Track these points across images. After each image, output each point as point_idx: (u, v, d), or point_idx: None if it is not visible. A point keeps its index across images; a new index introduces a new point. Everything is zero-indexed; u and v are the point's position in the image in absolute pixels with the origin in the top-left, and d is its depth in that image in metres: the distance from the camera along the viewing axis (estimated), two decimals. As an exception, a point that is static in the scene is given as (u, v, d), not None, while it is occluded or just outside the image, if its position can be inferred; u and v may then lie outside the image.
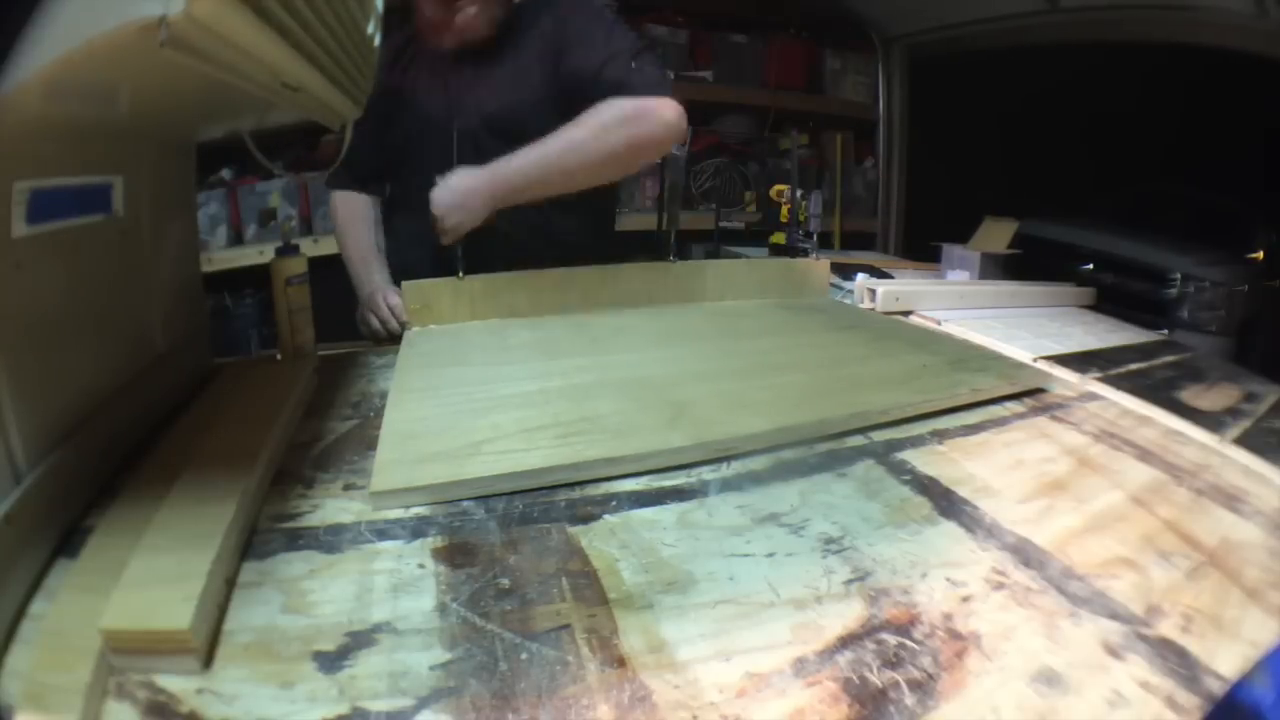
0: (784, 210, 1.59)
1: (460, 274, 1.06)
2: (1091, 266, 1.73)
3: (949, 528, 0.57)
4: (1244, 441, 0.76)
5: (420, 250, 1.18)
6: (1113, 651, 0.44)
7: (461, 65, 1.19)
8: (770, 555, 0.52)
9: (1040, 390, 0.87)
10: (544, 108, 1.14)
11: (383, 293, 1.19)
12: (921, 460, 0.68)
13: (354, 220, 1.31)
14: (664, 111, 1.09)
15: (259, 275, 1.89)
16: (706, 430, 0.67)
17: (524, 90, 1.16)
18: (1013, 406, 0.82)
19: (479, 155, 1.10)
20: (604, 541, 0.54)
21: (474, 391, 0.77)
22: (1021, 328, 1.14)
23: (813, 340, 0.99)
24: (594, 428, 0.67)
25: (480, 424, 0.68)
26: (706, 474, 0.64)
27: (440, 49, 1.17)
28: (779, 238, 1.63)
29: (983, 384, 0.83)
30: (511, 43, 1.18)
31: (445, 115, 1.17)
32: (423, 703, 0.38)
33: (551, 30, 1.17)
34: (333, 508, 0.58)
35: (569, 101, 1.10)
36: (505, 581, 0.49)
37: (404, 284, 1.06)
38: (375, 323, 1.17)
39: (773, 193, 1.66)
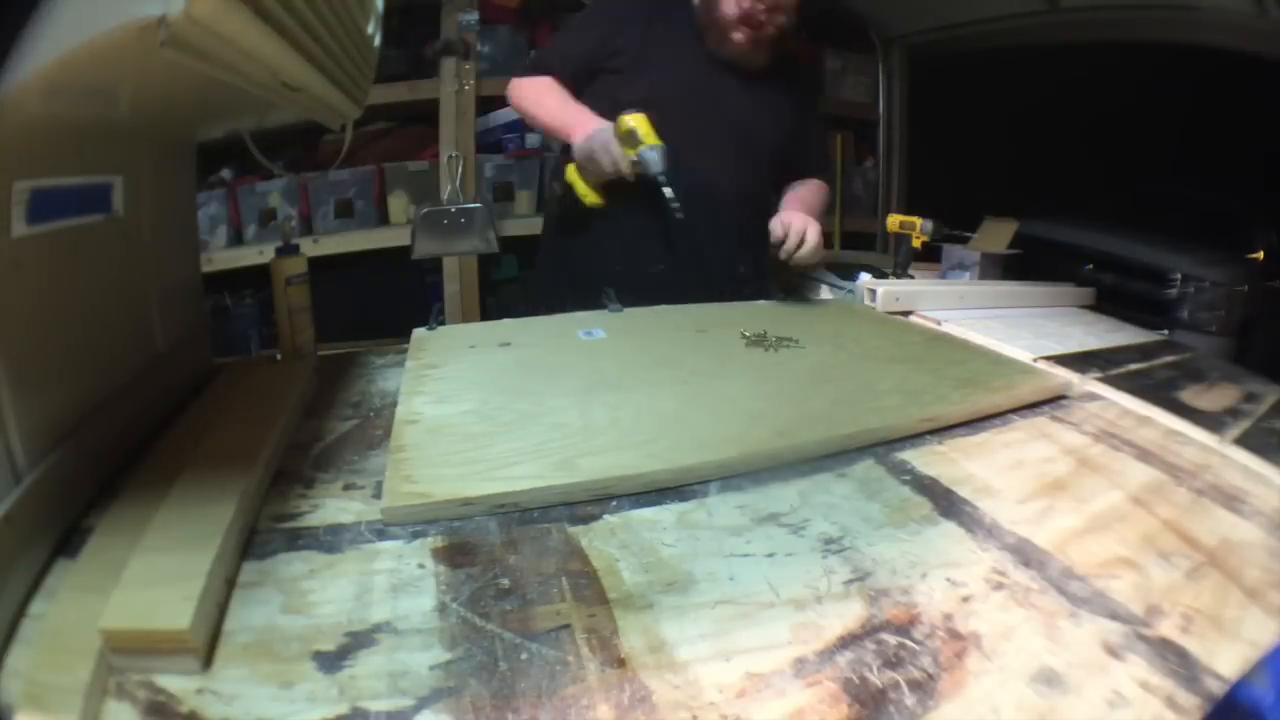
0: (917, 241, 1.53)
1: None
2: (1091, 266, 1.73)
3: (949, 528, 0.57)
4: (1244, 441, 0.76)
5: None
6: (1113, 652, 0.44)
7: (721, 73, 1.27)
8: (770, 555, 0.52)
9: (1062, 398, 0.87)
10: (775, 146, 1.33)
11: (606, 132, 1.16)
12: (921, 460, 0.68)
13: (549, 87, 1.29)
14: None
15: (259, 275, 1.89)
16: (718, 449, 0.65)
17: (764, 129, 1.31)
18: (1013, 406, 0.82)
19: (723, 159, 1.26)
20: (604, 541, 0.54)
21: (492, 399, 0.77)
22: (1021, 328, 1.14)
23: (835, 352, 0.99)
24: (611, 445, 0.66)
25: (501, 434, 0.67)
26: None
27: (715, 52, 1.26)
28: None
29: (1003, 400, 0.82)
30: (765, 83, 1.30)
31: (694, 105, 1.25)
32: (423, 703, 0.38)
33: (794, 103, 1.36)
34: (333, 508, 0.58)
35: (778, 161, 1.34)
36: (505, 581, 0.49)
37: None
38: (607, 162, 1.15)
39: (893, 224, 1.58)
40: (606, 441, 0.66)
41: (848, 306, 1.26)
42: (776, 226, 1.21)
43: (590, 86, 1.28)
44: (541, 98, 1.28)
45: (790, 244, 1.19)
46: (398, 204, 2.16)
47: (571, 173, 1.24)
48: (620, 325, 1.05)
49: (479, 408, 0.74)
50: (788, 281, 1.42)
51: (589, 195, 1.23)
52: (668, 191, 1.11)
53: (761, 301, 1.28)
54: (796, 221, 1.20)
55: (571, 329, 1.02)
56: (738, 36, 1.22)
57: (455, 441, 0.66)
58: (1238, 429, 0.80)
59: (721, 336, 1.00)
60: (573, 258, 1.36)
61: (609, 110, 1.19)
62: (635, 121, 1.12)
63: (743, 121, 1.29)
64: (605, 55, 1.27)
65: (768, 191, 1.38)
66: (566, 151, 1.28)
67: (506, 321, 1.07)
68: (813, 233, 1.20)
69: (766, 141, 1.32)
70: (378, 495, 0.59)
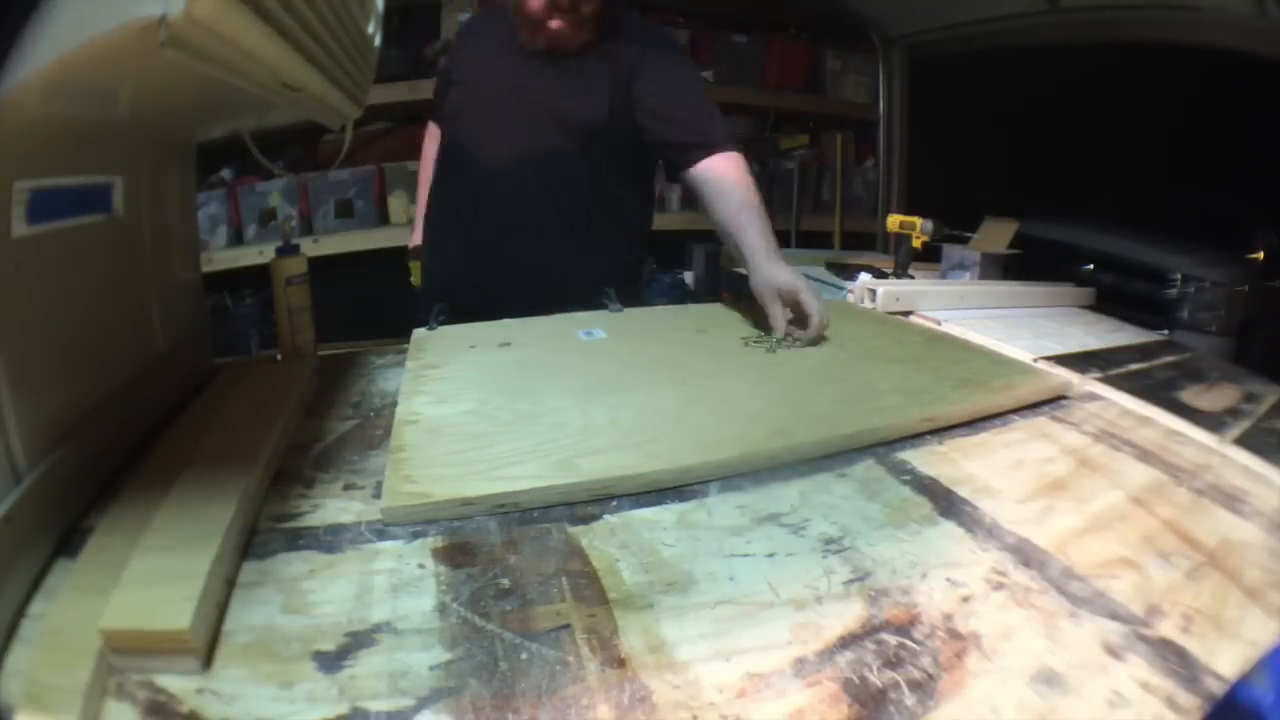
0: (918, 241, 1.51)
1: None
2: (1091, 266, 1.73)
3: (949, 528, 0.57)
4: (1244, 442, 0.76)
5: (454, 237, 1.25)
6: (1113, 652, 0.44)
7: (535, 64, 1.18)
8: (770, 555, 0.52)
9: (1062, 398, 0.87)
10: (614, 125, 1.19)
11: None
12: (921, 460, 0.68)
13: (427, 161, 1.39)
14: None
15: (259, 275, 1.89)
16: (717, 449, 0.65)
17: (598, 105, 1.18)
18: (1013, 406, 0.82)
19: (535, 148, 1.18)
20: (604, 541, 0.54)
21: (491, 399, 0.77)
22: (1021, 328, 1.14)
23: (839, 352, 0.99)
24: (612, 444, 0.66)
25: (500, 433, 0.67)
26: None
27: (529, 45, 1.17)
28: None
29: (1004, 400, 0.81)
30: (593, 54, 1.18)
31: (514, 104, 1.19)
32: (423, 703, 0.38)
33: (627, 53, 1.19)
34: (333, 508, 0.58)
35: (633, 125, 1.18)
36: (505, 581, 0.49)
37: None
38: None
39: (893, 224, 1.55)
40: (606, 441, 0.66)
41: (848, 306, 1.26)
42: (779, 312, 0.98)
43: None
44: (422, 167, 1.40)
45: (813, 331, 0.95)
46: (398, 204, 2.16)
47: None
48: (620, 325, 1.05)
49: (479, 408, 0.74)
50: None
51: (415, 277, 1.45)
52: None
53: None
54: (806, 299, 0.96)
55: (571, 329, 1.02)
56: (553, 25, 1.13)
57: (455, 441, 0.66)
58: (1238, 429, 0.80)
59: (721, 337, 1.00)
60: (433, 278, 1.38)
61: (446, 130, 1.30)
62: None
63: (558, 104, 1.17)
64: (447, 81, 1.31)
65: (618, 173, 1.24)
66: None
67: (506, 321, 1.07)
68: (814, 302, 0.96)
69: (586, 118, 1.18)
70: (378, 495, 0.59)
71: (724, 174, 1.14)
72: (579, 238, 1.23)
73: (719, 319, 1.11)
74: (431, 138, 1.41)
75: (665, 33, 1.37)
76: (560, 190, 1.21)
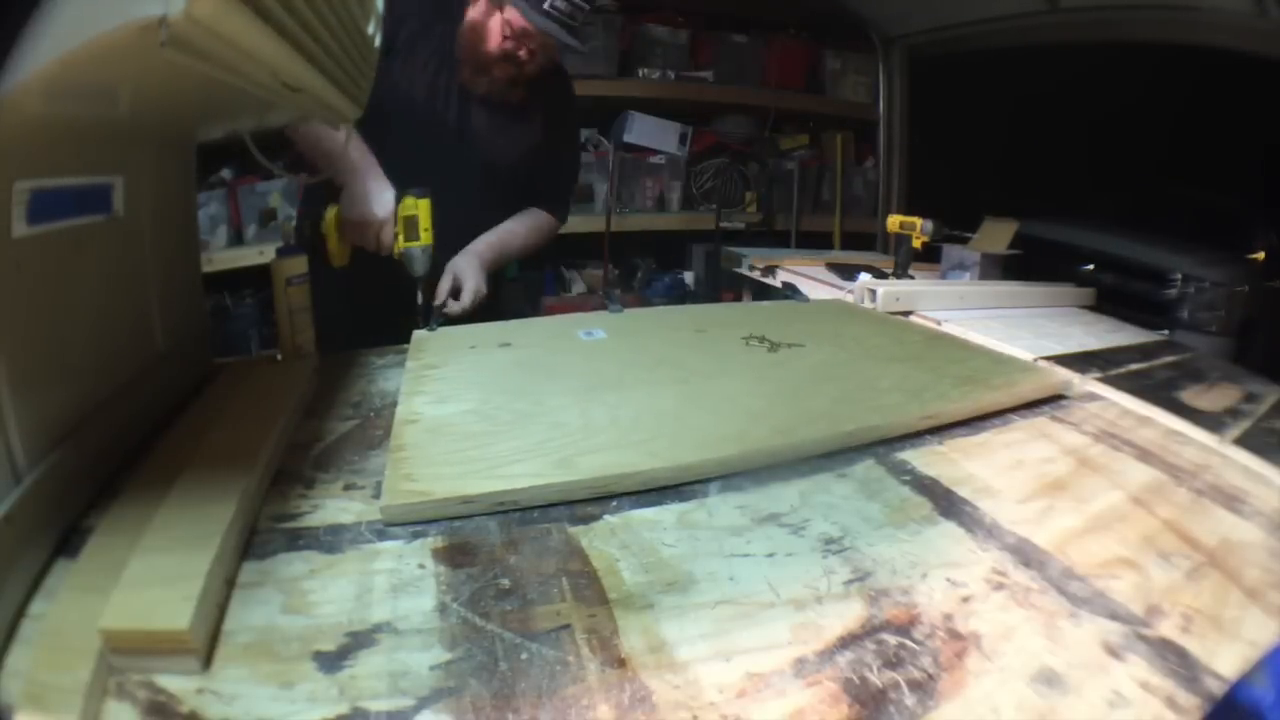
0: (918, 241, 1.52)
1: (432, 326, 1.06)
2: (1091, 266, 1.73)
3: (949, 528, 0.57)
4: (1244, 442, 0.76)
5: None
6: (1113, 652, 0.44)
7: (479, 103, 1.28)
8: (770, 555, 0.52)
9: (1062, 397, 0.87)
10: (512, 170, 1.34)
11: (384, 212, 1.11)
12: (922, 460, 0.68)
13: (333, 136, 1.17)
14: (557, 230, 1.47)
15: (259, 275, 1.89)
16: (717, 448, 0.65)
17: (511, 152, 1.33)
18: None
19: (454, 178, 1.22)
20: (604, 542, 0.54)
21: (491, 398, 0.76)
22: (1021, 328, 1.14)
23: (835, 351, 0.99)
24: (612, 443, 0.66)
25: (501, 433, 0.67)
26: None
27: (471, 87, 1.26)
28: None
29: (1004, 398, 0.82)
30: (515, 109, 1.31)
31: (446, 135, 1.26)
32: (423, 703, 0.38)
33: (543, 114, 1.35)
34: (333, 508, 0.58)
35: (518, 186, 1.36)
36: (505, 581, 0.49)
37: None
38: (370, 241, 1.11)
39: (893, 224, 1.57)
40: (606, 440, 0.66)
41: (847, 306, 1.26)
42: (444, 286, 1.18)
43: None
44: (331, 139, 1.17)
45: (441, 296, 1.16)
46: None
47: (330, 223, 1.13)
48: (620, 325, 1.05)
49: (479, 407, 0.74)
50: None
51: (339, 256, 1.15)
52: (419, 296, 1.10)
53: (764, 302, 1.28)
54: (459, 267, 1.20)
55: (571, 329, 1.02)
56: (496, 72, 1.22)
57: (455, 441, 0.66)
58: (1238, 429, 0.80)
59: (721, 336, 1.00)
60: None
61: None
62: (420, 210, 1.06)
63: (486, 150, 1.29)
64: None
65: (506, 202, 1.38)
66: (319, 192, 1.25)
67: (506, 322, 1.07)
68: (468, 281, 1.19)
69: (504, 163, 1.31)
70: (378, 495, 0.59)
71: (525, 219, 1.39)
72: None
73: (719, 319, 1.11)
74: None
75: (574, 103, 1.47)
76: (460, 212, 1.25)
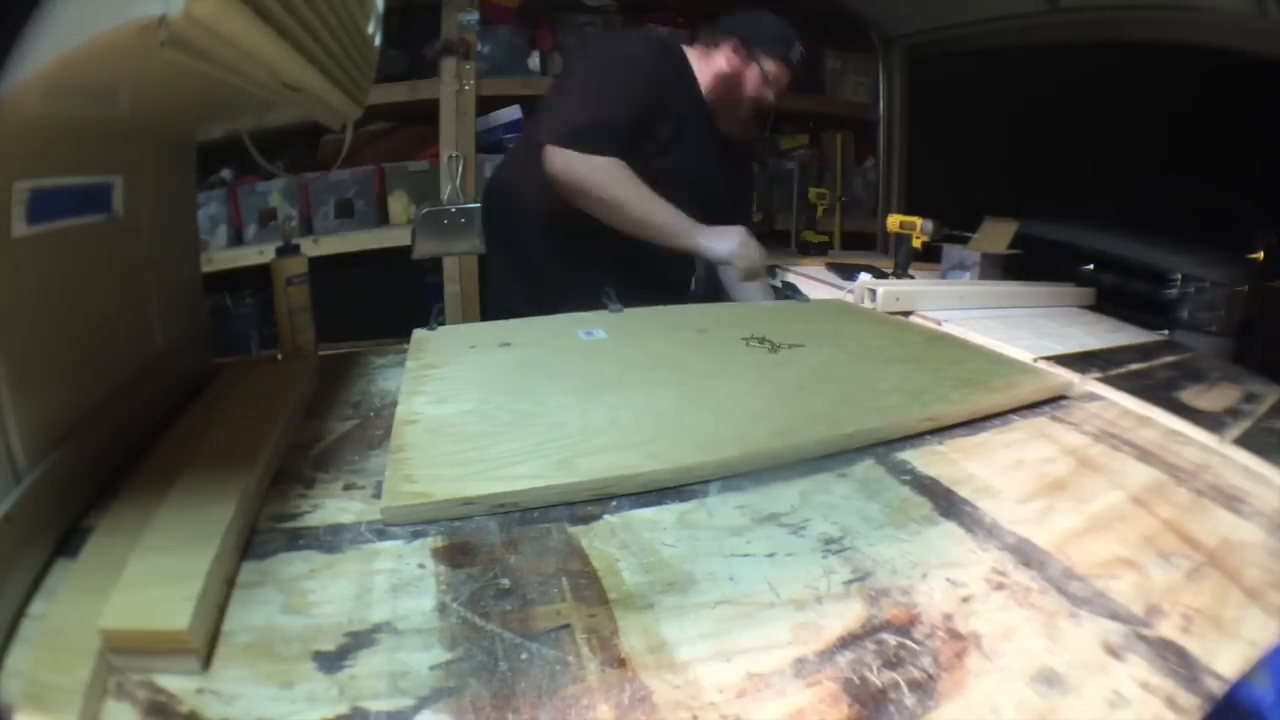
0: (918, 241, 1.55)
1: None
2: (1091, 266, 1.73)
3: (949, 528, 0.57)
4: (1244, 442, 0.76)
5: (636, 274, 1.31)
6: (1113, 652, 0.44)
7: (720, 152, 1.46)
8: (770, 555, 0.52)
9: (1063, 398, 0.87)
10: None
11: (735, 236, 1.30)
12: (922, 460, 0.68)
13: (633, 180, 1.27)
14: None
15: (259, 275, 1.89)
16: (718, 449, 0.65)
17: (735, 200, 1.53)
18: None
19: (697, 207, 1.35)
20: (604, 541, 0.54)
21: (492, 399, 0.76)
22: (1022, 328, 1.14)
23: (835, 352, 0.99)
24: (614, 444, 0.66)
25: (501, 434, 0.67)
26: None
27: (721, 128, 1.45)
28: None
29: (1004, 400, 0.82)
30: (737, 155, 1.53)
31: (700, 168, 1.40)
32: (423, 703, 0.38)
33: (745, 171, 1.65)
34: (333, 508, 0.58)
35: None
36: (505, 581, 0.49)
37: None
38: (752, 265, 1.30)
39: (893, 224, 1.60)
40: (606, 441, 0.66)
41: (848, 307, 1.26)
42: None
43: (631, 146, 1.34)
44: (632, 188, 1.27)
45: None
46: (398, 204, 2.16)
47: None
48: (620, 325, 1.05)
49: (479, 408, 0.74)
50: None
51: None
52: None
53: (764, 302, 1.28)
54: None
55: (571, 329, 1.02)
56: (746, 118, 1.43)
57: (455, 441, 0.66)
58: (1238, 429, 0.80)
59: (721, 336, 1.00)
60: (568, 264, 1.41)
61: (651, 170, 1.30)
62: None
63: (728, 194, 1.47)
64: (643, 129, 1.32)
65: None
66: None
67: (506, 321, 1.07)
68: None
69: (734, 209, 1.46)
70: (378, 495, 0.59)
71: None
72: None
73: (719, 319, 1.11)
74: (621, 166, 1.29)
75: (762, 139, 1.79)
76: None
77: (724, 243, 1.29)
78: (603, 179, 1.25)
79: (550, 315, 1.10)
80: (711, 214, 1.33)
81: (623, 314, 1.12)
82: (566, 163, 1.25)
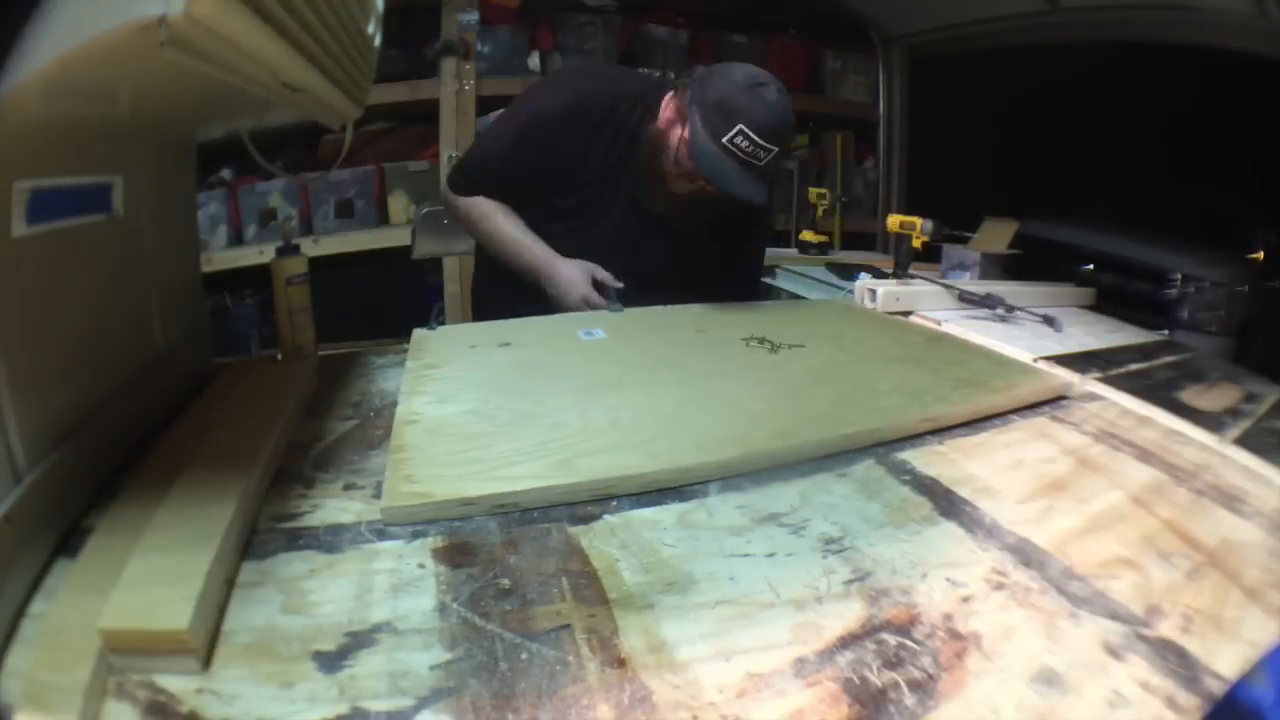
0: (918, 241, 1.53)
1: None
2: (1091, 266, 1.73)
3: (949, 528, 0.57)
4: (1244, 442, 0.76)
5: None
6: (1113, 652, 0.44)
7: (655, 229, 1.20)
8: (770, 555, 0.52)
9: (1063, 398, 0.87)
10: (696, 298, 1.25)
11: (576, 274, 1.15)
12: (922, 460, 0.68)
13: (500, 212, 1.20)
14: None
15: (259, 275, 1.89)
16: (717, 450, 0.65)
17: (691, 279, 1.25)
18: (1013, 406, 0.82)
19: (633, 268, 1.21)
20: (604, 541, 0.54)
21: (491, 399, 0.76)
22: (1021, 328, 1.14)
23: (834, 351, 0.99)
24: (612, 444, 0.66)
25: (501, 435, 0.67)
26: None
27: (647, 206, 1.19)
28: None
29: (1004, 401, 0.82)
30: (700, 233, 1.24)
31: (620, 242, 1.20)
32: (423, 703, 0.38)
33: (727, 247, 1.29)
34: (333, 508, 0.58)
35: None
36: (505, 581, 0.49)
37: None
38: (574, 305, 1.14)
39: (893, 224, 1.57)
40: (606, 442, 0.66)
41: (848, 307, 1.26)
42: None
43: (519, 198, 1.22)
44: (498, 223, 1.19)
45: None
46: (398, 204, 2.16)
47: None
48: (620, 325, 1.05)
49: (479, 408, 0.74)
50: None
51: None
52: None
53: (764, 302, 1.28)
54: None
55: (571, 329, 1.02)
56: (664, 193, 1.13)
57: (455, 441, 0.66)
58: (1238, 429, 0.80)
59: (721, 337, 1.00)
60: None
61: (543, 234, 1.18)
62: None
63: (673, 274, 1.23)
64: (545, 180, 1.18)
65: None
66: None
67: (506, 321, 1.07)
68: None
69: (693, 288, 1.24)
70: (378, 495, 0.59)
71: None
72: None
73: (719, 319, 1.11)
74: (491, 203, 1.20)
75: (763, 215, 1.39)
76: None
77: (553, 284, 1.16)
78: (469, 216, 1.22)
79: (550, 315, 1.10)
80: (646, 286, 1.19)
81: (623, 314, 1.12)
82: (445, 200, 1.28)
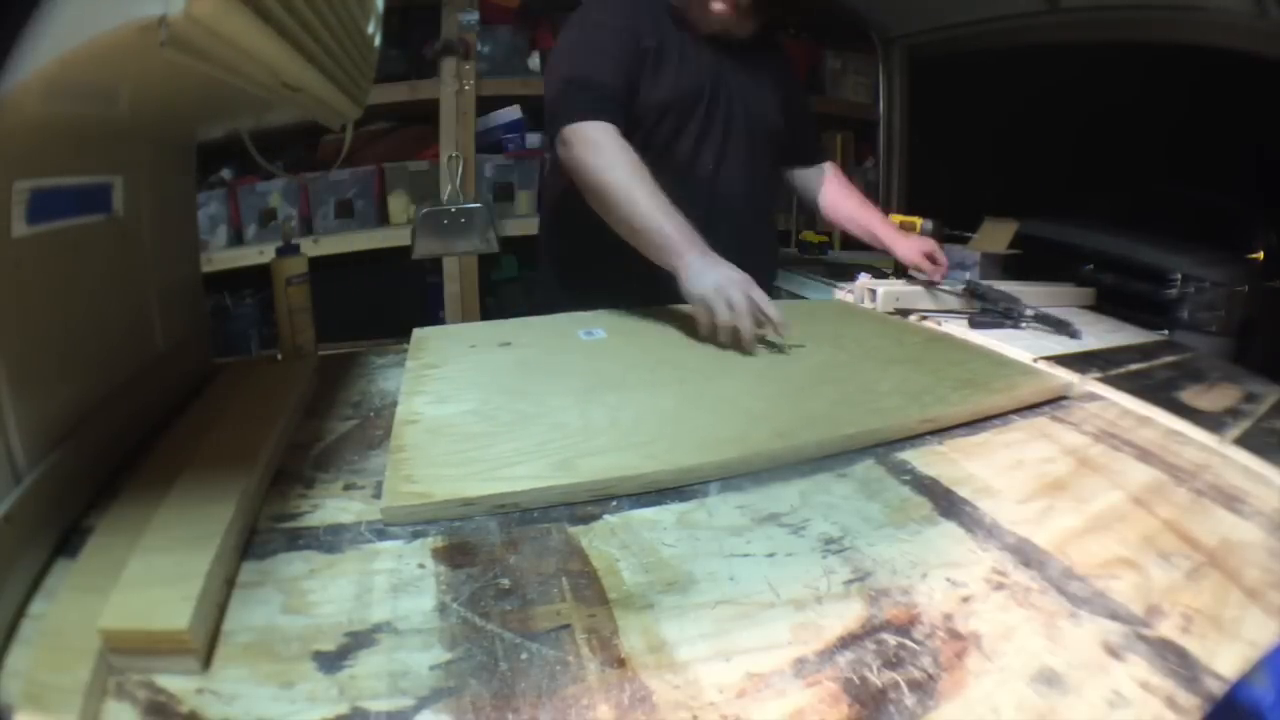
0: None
1: None
2: (1091, 266, 1.73)
3: (949, 528, 0.57)
4: (1244, 442, 0.76)
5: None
6: (1113, 652, 0.44)
7: (719, 49, 1.21)
8: (770, 555, 0.52)
9: (1063, 398, 0.87)
10: (780, 129, 1.30)
11: (729, 281, 0.93)
12: (922, 460, 0.68)
13: (633, 166, 0.99)
14: None
15: (259, 275, 1.89)
16: (718, 450, 0.65)
17: (776, 102, 1.28)
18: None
19: (739, 145, 1.21)
20: (604, 541, 0.54)
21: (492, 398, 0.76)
22: (1023, 328, 1.14)
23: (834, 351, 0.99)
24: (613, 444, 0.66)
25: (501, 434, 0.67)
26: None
27: (699, 30, 1.18)
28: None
29: (1004, 401, 0.82)
30: (764, 52, 1.28)
31: (706, 94, 1.18)
32: (423, 703, 0.38)
33: (785, 71, 1.36)
34: (333, 508, 0.58)
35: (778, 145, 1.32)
36: (505, 581, 0.49)
37: None
38: (722, 329, 0.92)
39: (893, 224, 1.55)
40: (606, 442, 0.66)
41: (848, 306, 1.26)
42: (928, 266, 1.26)
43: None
44: (627, 173, 1.00)
45: (944, 269, 1.27)
46: (398, 204, 2.16)
47: None
48: (620, 325, 1.05)
49: (479, 408, 0.74)
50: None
51: None
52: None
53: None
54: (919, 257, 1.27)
55: (571, 329, 1.02)
56: (717, 6, 1.15)
57: (455, 441, 0.66)
58: (1238, 429, 0.80)
59: None
60: (588, 258, 1.22)
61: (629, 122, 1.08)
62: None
63: (751, 103, 1.23)
64: (635, 76, 1.13)
65: (776, 182, 1.41)
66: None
67: (506, 321, 1.07)
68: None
69: (770, 124, 1.28)
70: (378, 495, 0.59)
71: (838, 179, 1.47)
72: (769, 245, 1.38)
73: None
74: (612, 137, 1.04)
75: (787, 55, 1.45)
76: (760, 197, 1.29)
77: (700, 281, 0.94)
78: (601, 160, 1.01)
79: (549, 315, 1.10)
80: (730, 128, 1.17)
81: (623, 313, 1.11)
82: (576, 144, 1.03)
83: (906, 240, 1.31)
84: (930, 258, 1.26)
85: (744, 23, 1.20)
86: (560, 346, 0.95)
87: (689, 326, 1.01)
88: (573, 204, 1.11)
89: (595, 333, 1.01)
